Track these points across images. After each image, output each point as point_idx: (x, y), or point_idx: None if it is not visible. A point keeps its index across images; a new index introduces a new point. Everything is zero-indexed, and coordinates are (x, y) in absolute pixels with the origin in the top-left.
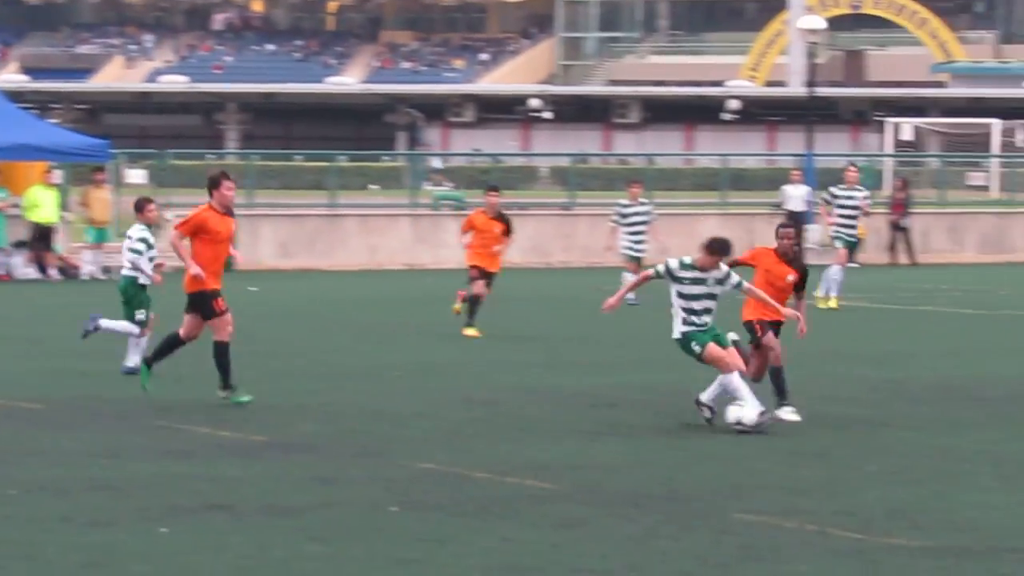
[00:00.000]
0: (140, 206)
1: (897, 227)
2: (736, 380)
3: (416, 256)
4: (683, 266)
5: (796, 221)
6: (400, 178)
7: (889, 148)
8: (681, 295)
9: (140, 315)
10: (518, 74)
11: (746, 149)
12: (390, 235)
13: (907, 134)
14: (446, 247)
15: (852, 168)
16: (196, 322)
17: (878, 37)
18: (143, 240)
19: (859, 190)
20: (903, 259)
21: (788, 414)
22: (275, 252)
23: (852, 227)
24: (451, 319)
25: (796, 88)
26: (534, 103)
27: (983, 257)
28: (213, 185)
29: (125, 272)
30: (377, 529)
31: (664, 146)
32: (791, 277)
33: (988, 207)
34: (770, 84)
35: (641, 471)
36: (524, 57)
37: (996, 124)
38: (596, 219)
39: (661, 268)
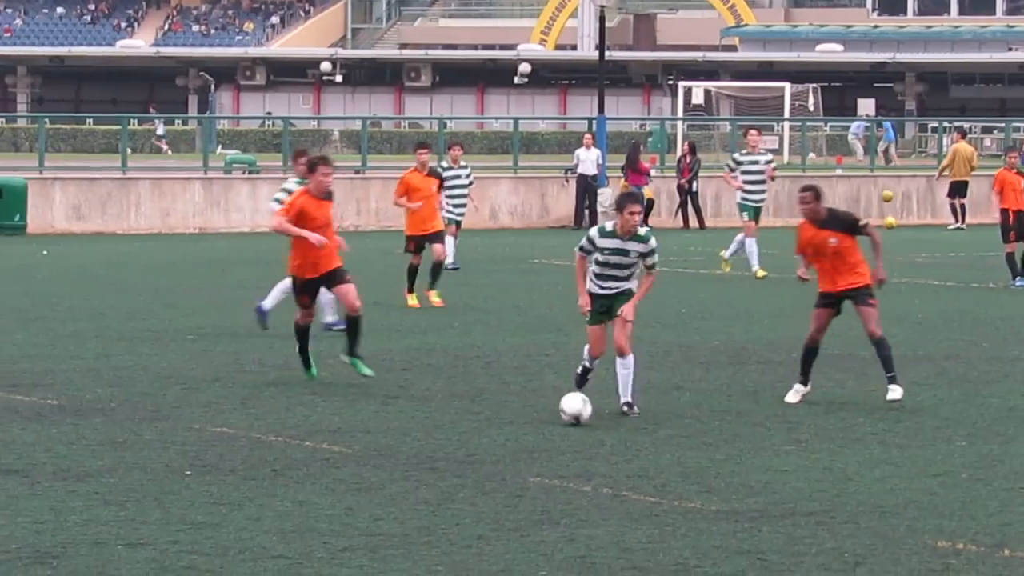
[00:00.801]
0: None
1: (685, 191)
2: (588, 364)
3: (209, 220)
4: (603, 234)
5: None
6: (192, 141)
7: (680, 111)
8: (599, 263)
9: None
10: (309, 37)
11: (537, 113)
12: (182, 199)
13: (698, 98)
14: (238, 211)
15: (754, 132)
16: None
17: (668, 1)
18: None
19: (763, 154)
20: (694, 222)
21: None
22: (67, 215)
23: (758, 192)
24: (244, 280)
25: (587, 52)
26: (325, 67)
27: (774, 221)
28: (310, 170)
29: None
30: (172, 493)
31: (456, 110)
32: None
33: (779, 170)
34: (561, 48)
35: (436, 435)
36: (315, 20)
37: (787, 88)
38: (388, 182)
39: (584, 242)
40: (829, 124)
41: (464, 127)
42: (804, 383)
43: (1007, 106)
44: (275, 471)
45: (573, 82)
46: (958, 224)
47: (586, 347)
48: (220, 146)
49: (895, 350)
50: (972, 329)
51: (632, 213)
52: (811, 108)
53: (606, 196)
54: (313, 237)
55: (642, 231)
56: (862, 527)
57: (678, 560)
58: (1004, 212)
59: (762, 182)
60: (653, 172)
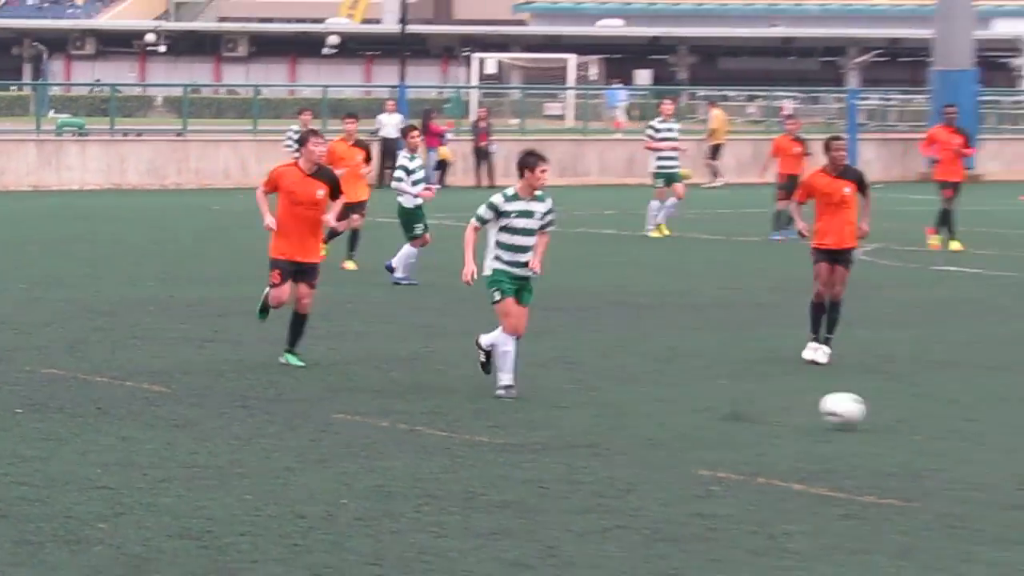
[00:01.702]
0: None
1: (482, 152)
2: (508, 345)
3: (42, 178)
4: (507, 198)
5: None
6: (27, 106)
7: (475, 80)
8: (506, 229)
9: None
10: (135, 10)
11: (345, 81)
12: (17, 159)
13: (491, 68)
14: (68, 169)
15: (667, 101)
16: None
17: None
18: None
19: (676, 123)
20: (486, 181)
21: None
22: None
23: (675, 159)
24: (75, 233)
25: (390, 25)
26: (149, 38)
27: (560, 180)
28: (300, 143)
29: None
30: (3, 429)
31: (270, 78)
32: (847, 189)
33: (564, 135)
34: (367, 22)
35: (248, 376)
36: None
37: (571, 59)
38: (207, 145)
39: (484, 211)
40: (622, 94)
41: (277, 94)
42: (817, 339)
43: (771, 77)
44: (100, 409)
45: (378, 53)
46: (714, 183)
47: (486, 336)
48: (52, 110)
49: (665, 298)
50: (734, 278)
51: (543, 171)
52: (593, 77)
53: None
54: (266, 220)
55: (538, 192)
56: (633, 457)
57: (467, 488)
58: (782, 174)
59: (676, 149)
60: (450, 135)
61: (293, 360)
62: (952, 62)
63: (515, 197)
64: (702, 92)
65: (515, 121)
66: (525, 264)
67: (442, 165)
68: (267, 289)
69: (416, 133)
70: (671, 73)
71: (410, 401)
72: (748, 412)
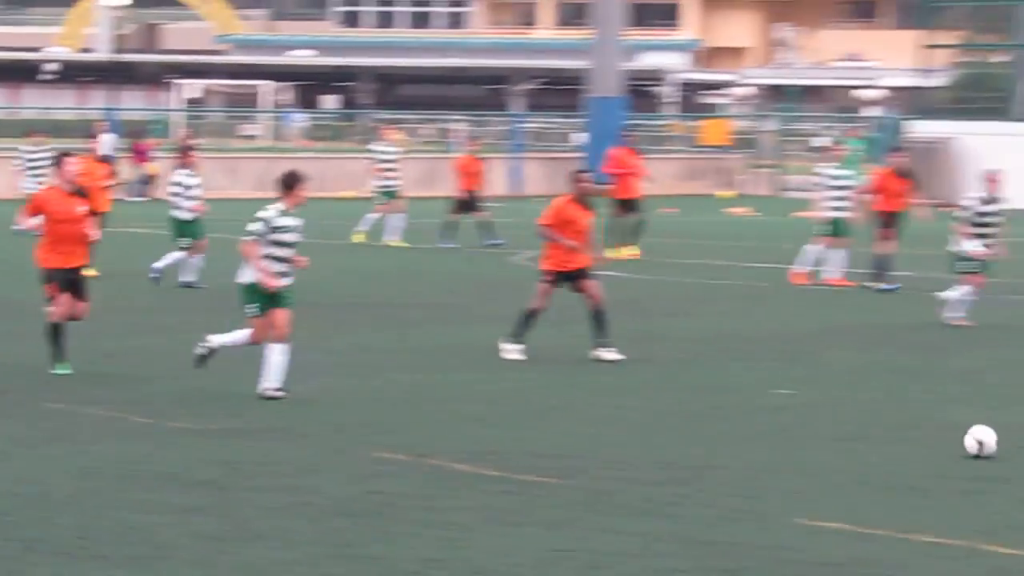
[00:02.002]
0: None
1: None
2: (279, 354)
3: None
4: (280, 213)
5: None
6: None
7: (179, 104)
8: (276, 243)
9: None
10: None
11: (63, 104)
12: None
13: (195, 93)
14: None
15: (389, 127)
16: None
17: (172, 12)
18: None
19: (393, 146)
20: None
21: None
22: None
23: (394, 179)
24: None
25: (103, 54)
26: None
27: (256, 193)
28: (55, 163)
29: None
30: None
31: None
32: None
33: (259, 152)
34: (83, 50)
35: None
36: None
37: (266, 85)
38: None
39: (259, 227)
40: (299, 116)
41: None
42: (518, 340)
43: (445, 102)
44: None
45: (93, 79)
46: None
47: (220, 337)
48: None
49: (341, 300)
50: (409, 282)
51: (303, 190)
52: (283, 102)
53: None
54: (26, 224)
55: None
56: (319, 441)
57: (168, 470)
58: (462, 189)
59: (395, 169)
60: (156, 153)
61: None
62: (604, 90)
63: (285, 212)
64: (384, 116)
65: (216, 140)
66: (284, 269)
67: (149, 179)
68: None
69: (194, 153)
70: (356, 99)
71: (118, 390)
72: (418, 399)
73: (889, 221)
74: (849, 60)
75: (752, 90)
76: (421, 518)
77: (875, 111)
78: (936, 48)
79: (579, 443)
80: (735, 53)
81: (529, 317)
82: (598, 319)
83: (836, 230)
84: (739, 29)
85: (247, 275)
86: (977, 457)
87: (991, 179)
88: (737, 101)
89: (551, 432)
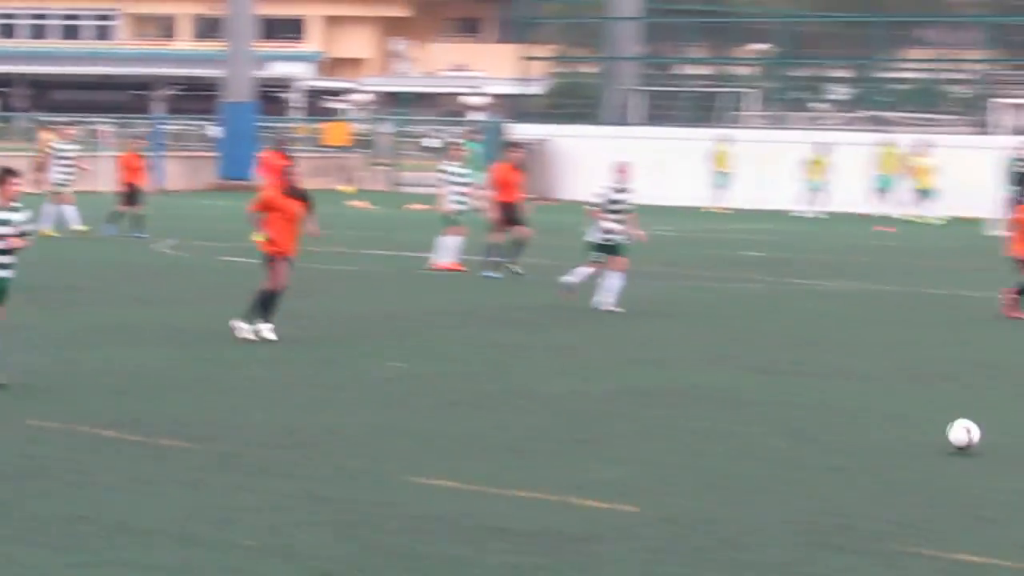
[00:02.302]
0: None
1: None
2: None
3: None
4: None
5: None
6: None
7: None
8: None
9: None
10: None
11: None
12: None
13: None
14: None
15: (68, 127)
16: None
17: None
18: None
19: (71, 143)
20: None
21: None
22: None
23: (71, 174)
24: None
25: None
26: None
27: None
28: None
29: None
30: None
31: None
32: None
33: None
34: None
35: None
36: None
37: None
38: None
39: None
40: None
41: None
42: (267, 321)
43: (95, 106)
44: None
45: None
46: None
47: None
48: None
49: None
50: (62, 268)
51: (15, 184)
52: None
53: None
54: None
55: (14, 203)
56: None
57: None
58: (123, 183)
59: (76, 165)
60: None
61: None
62: (237, 96)
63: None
64: (41, 118)
65: None
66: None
67: None
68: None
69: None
70: (12, 103)
71: None
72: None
73: (507, 211)
74: (456, 70)
75: (370, 96)
76: (73, 480)
77: (480, 115)
78: (533, 60)
79: (215, 412)
80: (355, 63)
81: (267, 297)
82: (271, 300)
83: (456, 221)
84: (358, 42)
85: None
86: (967, 447)
87: (621, 170)
88: (356, 106)
89: (190, 402)
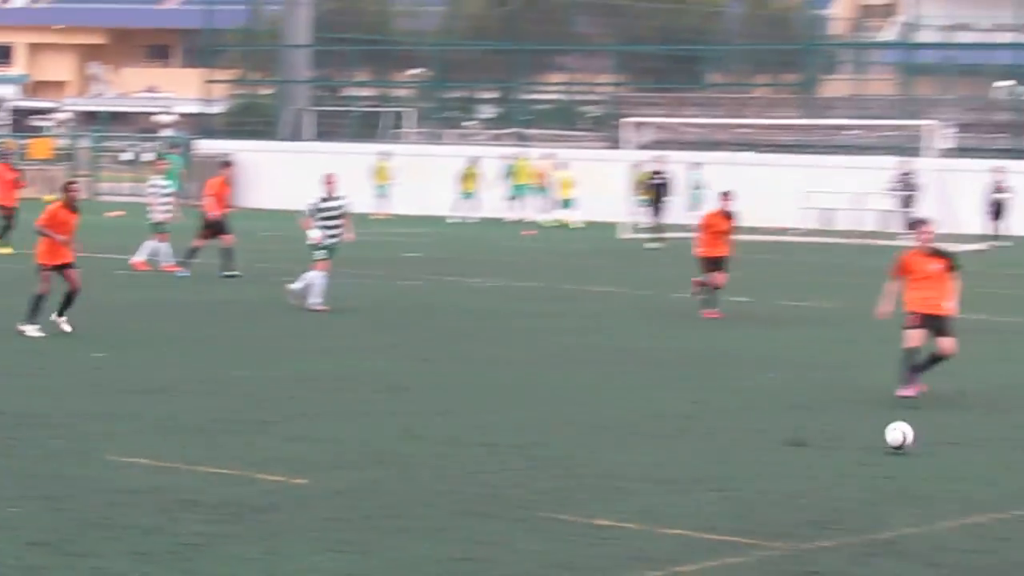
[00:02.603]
0: None
1: None
2: None
3: None
4: None
5: None
6: None
7: None
8: None
9: None
10: None
11: None
12: None
13: None
14: None
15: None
16: None
17: None
18: None
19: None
20: None
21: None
22: None
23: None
24: None
25: None
26: None
27: None
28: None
29: None
30: None
31: None
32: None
33: None
34: None
35: None
36: None
37: None
38: None
39: None
40: None
41: None
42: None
43: None
44: None
45: None
46: None
47: None
48: None
49: None
50: None
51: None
52: None
53: None
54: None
55: None
56: None
57: None
58: None
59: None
60: None
61: None
62: None
63: None
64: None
65: None
66: None
67: None
68: None
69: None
70: None
71: None
72: None
73: (217, 221)
74: (148, 92)
75: (71, 115)
76: None
77: (169, 132)
78: (216, 83)
79: None
80: (57, 85)
81: (38, 301)
82: (69, 300)
83: (162, 228)
84: (60, 66)
85: None
86: (900, 448)
87: (329, 180)
88: (59, 124)
89: None
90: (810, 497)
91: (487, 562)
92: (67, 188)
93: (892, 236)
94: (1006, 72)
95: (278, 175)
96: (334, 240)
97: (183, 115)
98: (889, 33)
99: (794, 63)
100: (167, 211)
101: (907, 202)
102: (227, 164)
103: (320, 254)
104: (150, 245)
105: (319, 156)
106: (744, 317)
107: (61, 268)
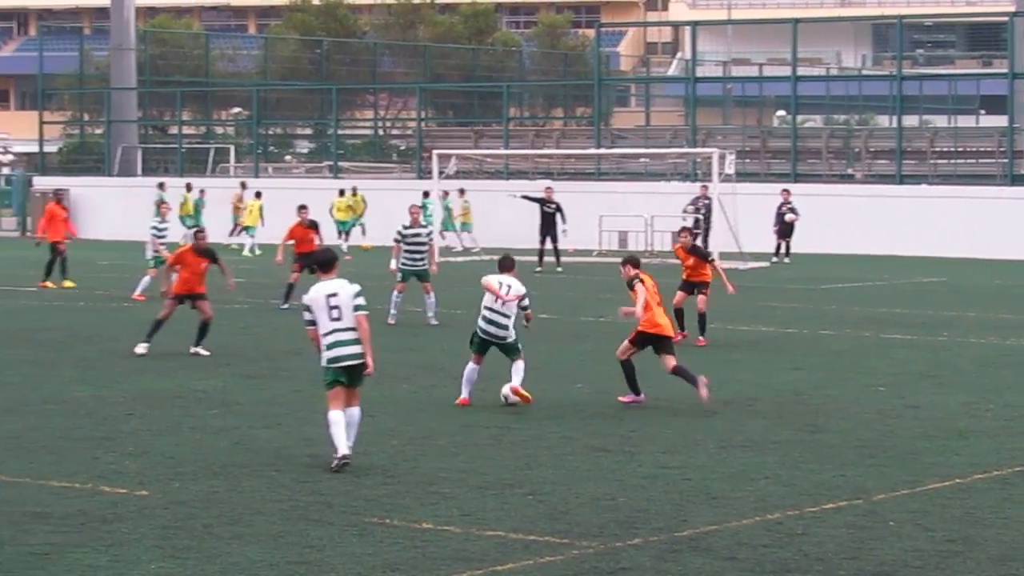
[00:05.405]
0: None
1: None
2: None
3: None
4: None
5: None
6: None
7: None
8: None
9: None
10: None
11: None
12: None
13: None
14: None
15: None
16: None
17: None
18: None
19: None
20: None
21: None
22: None
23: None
24: None
25: None
26: None
27: None
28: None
29: None
30: None
31: None
32: None
33: None
34: None
35: None
36: None
37: None
38: None
39: None
40: None
41: None
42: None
43: None
44: None
45: None
46: None
47: None
48: None
49: None
50: None
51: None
52: None
53: None
54: None
55: None
56: None
57: None
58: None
59: None
60: None
61: None
62: None
63: None
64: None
65: None
66: None
67: None
68: None
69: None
70: None
71: None
72: None
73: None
74: None
75: None
76: None
77: (7, 170)
78: (50, 124)
79: None
80: None
81: (157, 325)
82: (204, 329)
83: None
84: None
85: None
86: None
87: (412, 211)
88: None
89: None
90: (617, 498)
91: (320, 565)
92: (196, 236)
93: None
94: (780, 103)
95: (111, 208)
96: (417, 266)
97: (20, 155)
98: (673, 68)
99: (587, 97)
100: None
101: (698, 224)
102: (59, 194)
103: (398, 276)
104: None
105: (147, 190)
106: (551, 332)
107: (193, 299)
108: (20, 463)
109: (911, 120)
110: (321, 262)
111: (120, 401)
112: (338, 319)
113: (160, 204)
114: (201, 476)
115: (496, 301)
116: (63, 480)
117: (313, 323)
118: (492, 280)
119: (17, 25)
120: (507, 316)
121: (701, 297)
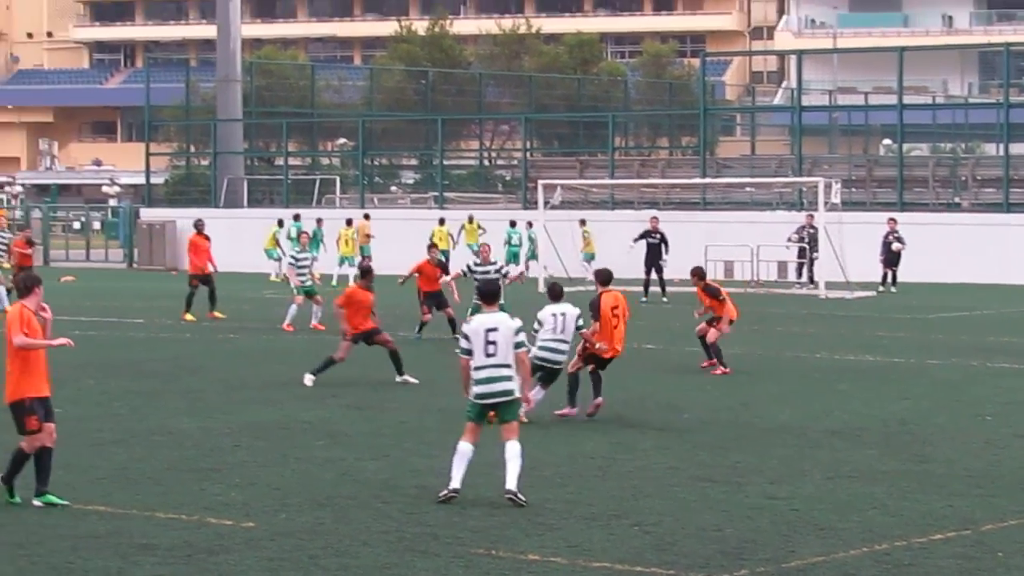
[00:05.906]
0: None
1: None
2: None
3: None
4: None
5: None
6: None
7: None
8: None
9: None
10: None
11: None
12: None
13: None
14: None
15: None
16: None
17: None
18: None
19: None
20: None
21: None
22: None
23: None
24: None
25: None
26: None
27: None
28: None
29: None
30: None
31: None
32: None
33: None
34: None
35: None
36: None
37: None
38: None
39: None
40: None
41: None
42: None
43: None
44: None
45: None
46: None
47: None
48: None
49: None
50: None
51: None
52: None
53: None
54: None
55: None
56: None
57: None
58: None
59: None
60: None
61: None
62: None
63: None
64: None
65: None
66: None
67: None
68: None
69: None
70: None
71: None
72: None
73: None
74: (95, 165)
75: (23, 188)
76: None
77: (114, 202)
78: (157, 155)
79: None
80: (10, 161)
81: (330, 363)
82: (396, 358)
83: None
84: (10, 143)
85: None
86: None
87: (483, 251)
88: (13, 196)
89: None
90: (724, 529)
91: None
92: (364, 272)
93: (788, 285)
94: (886, 131)
95: (217, 239)
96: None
97: (128, 186)
98: (778, 97)
99: (692, 126)
100: None
101: (803, 253)
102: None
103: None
104: None
105: (253, 221)
106: (655, 363)
107: (368, 336)
108: (127, 494)
109: (1018, 148)
110: (485, 294)
111: (226, 432)
112: (493, 355)
113: (300, 235)
114: (307, 507)
115: (555, 331)
116: (170, 512)
117: (469, 352)
118: (546, 313)
119: (124, 57)
120: (566, 342)
121: (713, 331)
